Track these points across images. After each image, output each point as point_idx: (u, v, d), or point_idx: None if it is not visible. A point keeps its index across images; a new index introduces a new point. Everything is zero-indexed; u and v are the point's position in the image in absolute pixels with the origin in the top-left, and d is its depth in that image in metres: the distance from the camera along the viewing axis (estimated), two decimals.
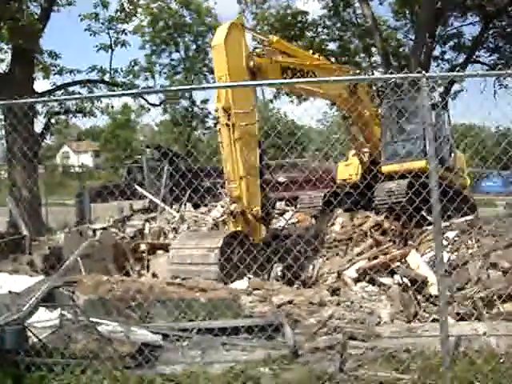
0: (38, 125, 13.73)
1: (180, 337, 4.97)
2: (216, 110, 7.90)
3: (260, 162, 7.83)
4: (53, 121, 15.30)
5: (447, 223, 7.88)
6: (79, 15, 15.17)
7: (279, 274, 7.49)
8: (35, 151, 13.35)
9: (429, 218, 7.34)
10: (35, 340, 4.57)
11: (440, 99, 12.14)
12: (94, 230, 10.67)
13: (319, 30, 24.30)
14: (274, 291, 6.45)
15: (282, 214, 11.53)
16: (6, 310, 5.05)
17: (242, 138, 7.52)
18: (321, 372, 4.22)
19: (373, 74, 23.36)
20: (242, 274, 6.85)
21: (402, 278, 6.47)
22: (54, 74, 14.88)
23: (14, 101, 5.00)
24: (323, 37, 24.35)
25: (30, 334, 4.58)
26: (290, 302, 6.05)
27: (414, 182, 7.13)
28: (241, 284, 6.80)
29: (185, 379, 4.18)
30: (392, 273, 6.84)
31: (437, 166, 4.01)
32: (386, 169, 10.37)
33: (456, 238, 7.74)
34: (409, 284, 6.33)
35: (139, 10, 17.37)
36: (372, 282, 6.86)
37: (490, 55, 23.22)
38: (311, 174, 10.44)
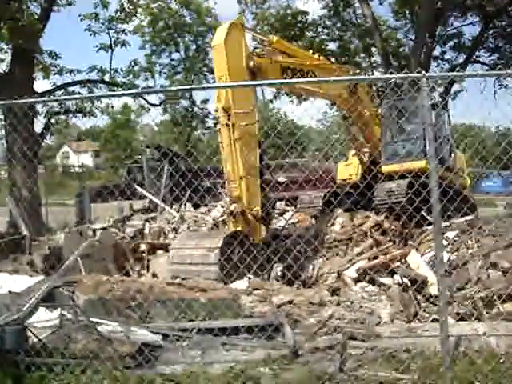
0: (38, 125, 13.77)
1: (180, 337, 4.97)
2: (216, 110, 7.90)
3: (260, 162, 7.83)
4: (53, 121, 15.32)
5: (447, 223, 7.88)
6: (79, 15, 15.22)
7: (279, 273, 7.49)
8: (35, 151, 13.35)
9: (429, 218, 7.34)
10: (35, 340, 4.57)
11: (440, 99, 12.14)
12: (94, 230, 10.67)
13: (319, 30, 24.32)
14: (273, 291, 6.45)
15: (281, 214, 11.53)
16: (5, 310, 5.05)
17: (242, 138, 7.52)
18: (321, 372, 4.22)
19: (373, 74, 23.36)
20: (241, 274, 6.84)
21: (401, 278, 6.47)
22: (54, 74, 14.91)
23: (14, 101, 4.99)
24: (323, 37, 24.37)
25: (30, 334, 4.58)
26: (290, 302, 6.04)
27: (413, 182, 7.13)
28: (241, 284, 6.80)
29: (185, 379, 4.18)
30: (392, 273, 6.84)
31: (437, 166, 4.01)
32: (385, 169, 10.37)
33: (456, 238, 7.74)
34: (409, 284, 6.32)
35: (139, 10, 17.40)
36: (372, 281, 6.86)
37: (490, 55, 23.27)
38: (311, 174, 10.44)
